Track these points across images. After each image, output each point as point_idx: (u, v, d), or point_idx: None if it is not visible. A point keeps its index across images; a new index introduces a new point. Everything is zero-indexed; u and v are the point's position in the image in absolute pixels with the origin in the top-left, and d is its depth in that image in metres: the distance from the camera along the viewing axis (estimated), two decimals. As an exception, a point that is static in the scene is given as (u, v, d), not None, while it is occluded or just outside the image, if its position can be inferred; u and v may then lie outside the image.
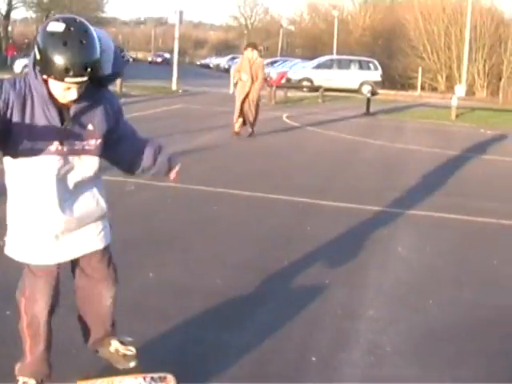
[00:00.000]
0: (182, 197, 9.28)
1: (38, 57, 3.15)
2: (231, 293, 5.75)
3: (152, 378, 3.88)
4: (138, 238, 6.92)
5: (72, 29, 3.10)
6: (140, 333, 4.40)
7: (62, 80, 3.12)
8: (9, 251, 3.54)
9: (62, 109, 3.30)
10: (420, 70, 45.66)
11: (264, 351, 4.68)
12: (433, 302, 5.87)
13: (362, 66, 40.65)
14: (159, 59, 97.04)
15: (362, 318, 5.39)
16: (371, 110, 25.45)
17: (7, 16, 65.59)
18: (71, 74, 3.08)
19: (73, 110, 3.31)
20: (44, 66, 3.13)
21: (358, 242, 7.61)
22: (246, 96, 15.56)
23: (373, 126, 21.73)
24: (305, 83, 37.39)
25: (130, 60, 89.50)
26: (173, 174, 3.84)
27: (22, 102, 3.24)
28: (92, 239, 3.61)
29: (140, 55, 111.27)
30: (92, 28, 3.22)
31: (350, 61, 41.61)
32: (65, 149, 3.35)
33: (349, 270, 6.63)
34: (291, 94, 31.93)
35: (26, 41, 54.63)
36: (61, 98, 3.25)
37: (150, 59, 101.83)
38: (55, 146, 3.32)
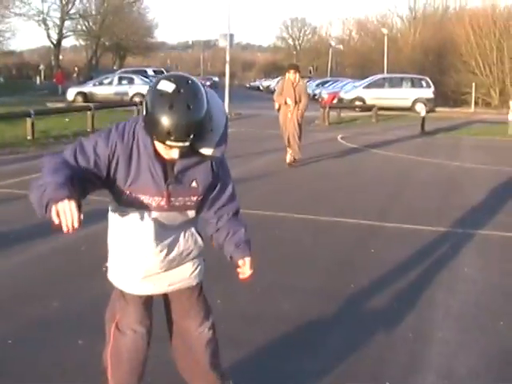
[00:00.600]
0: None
1: (144, 112, 3.13)
2: (300, 318, 5.81)
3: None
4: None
5: (182, 91, 3.04)
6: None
7: (163, 142, 3.10)
8: (110, 277, 3.64)
9: (166, 165, 3.27)
10: (473, 85, 45.30)
11: (338, 376, 4.73)
12: (504, 322, 5.85)
13: (414, 83, 40.43)
14: (208, 83, 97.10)
15: (433, 341, 5.41)
16: (426, 128, 25.34)
17: (58, 44, 66.90)
18: (173, 138, 3.04)
19: (178, 166, 3.29)
20: (148, 124, 3.11)
21: (423, 263, 7.62)
22: (290, 121, 15.18)
23: (429, 144, 21.62)
24: (357, 103, 37.33)
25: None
26: (242, 274, 3.56)
27: (129, 154, 3.28)
28: (185, 276, 3.63)
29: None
30: (205, 91, 3.15)
31: (402, 79, 41.40)
32: (166, 206, 3.36)
33: (416, 291, 6.64)
34: (344, 114, 31.95)
35: (76, 69, 54.56)
36: (164, 155, 3.23)
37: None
38: (157, 202, 3.35)
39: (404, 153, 18.36)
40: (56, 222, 2.95)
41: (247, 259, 3.52)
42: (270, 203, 10.69)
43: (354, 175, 14.33)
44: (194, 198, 3.43)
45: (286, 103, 15.04)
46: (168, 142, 3.07)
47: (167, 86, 3.05)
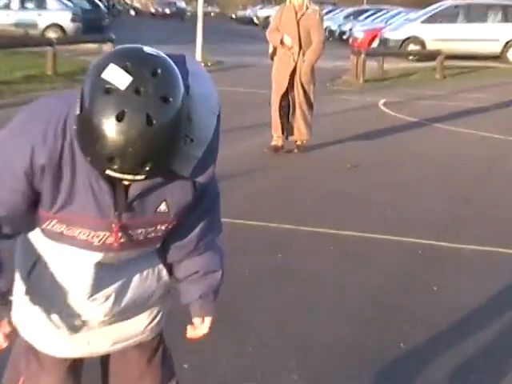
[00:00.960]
0: (224, 238, 9.43)
1: (78, 110, 2.87)
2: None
3: None
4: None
5: (142, 90, 2.77)
6: None
7: (101, 171, 2.96)
8: (15, 318, 3.58)
9: (117, 183, 3.09)
10: None
11: None
12: None
13: (508, 15, 40.11)
14: (167, 10, 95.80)
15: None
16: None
17: None
18: (116, 167, 2.83)
19: (135, 186, 3.11)
20: (81, 133, 2.91)
21: (509, 305, 7.83)
22: (291, 76, 14.39)
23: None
24: (411, 47, 37.31)
25: (129, 11, 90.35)
26: (191, 332, 3.74)
27: (57, 163, 3.07)
28: (139, 330, 3.72)
29: (138, 4, 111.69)
30: (181, 83, 2.93)
31: (488, 7, 41.06)
32: (115, 243, 3.28)
33: (496, 347, 6.84)
34: (389, 65, 31.94)
35: None
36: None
37: (152, 10, 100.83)
38: (101, 238, 3.25)
39: (485, 130, 18.44)
40: None
41: (208, 319, 3.69)
42: (270, 209, 10.74)
43: (405, 166, 14.45)
44: (163, 227, 3.34)
45: (282, 43, 14.27)
46: (108, 172, 2.89)
47: (119, 78, 2.77)
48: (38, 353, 3.60)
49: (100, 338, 3.59)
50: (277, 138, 14.71)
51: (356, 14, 55.58)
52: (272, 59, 14.78)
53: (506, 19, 39.74)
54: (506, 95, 25.25)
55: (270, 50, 14.75)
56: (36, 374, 3.62)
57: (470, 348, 6.83)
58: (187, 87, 2.97)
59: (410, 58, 35.58)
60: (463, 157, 15.62)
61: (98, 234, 3.18)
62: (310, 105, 14.71)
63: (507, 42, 38.42)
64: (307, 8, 13.96)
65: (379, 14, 50.92)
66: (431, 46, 36.21)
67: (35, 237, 3.36)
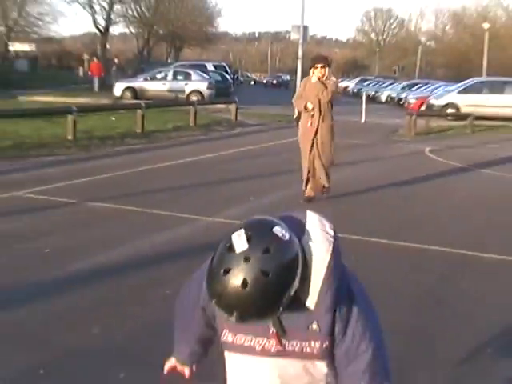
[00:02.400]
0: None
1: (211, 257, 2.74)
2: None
3: None
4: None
5: (251, 260, 2.57)
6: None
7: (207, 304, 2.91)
8: None
9: None
10: None
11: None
12: None
13: (520, 89, 40.02)
14: (274, 81, 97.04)
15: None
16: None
17: (105, 32, 67.76)
18: (215, 303, 2.68)
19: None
20: (206, 273, 2.75)
21: None
22: (314, 136, 12.39)
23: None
24: (449, 110, 37.04)
25: (249, 82, 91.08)
26: None
27: None
28: None
29: (255, 76, 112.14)
30: (295, 253, 2.65)
31: (505, 83, 40.97)
32: (273, 350, 2.88)
33: (515, 337, 6.57)
34: (434, 123, 31.71)
35: (116, 60, 52.32)
36: None
37: (264, 81, 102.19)
38: (261, 344, 2.89)
39: (505, 171, 18.11)
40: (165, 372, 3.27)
41: None
42: (345, 224, 10.62)
43: (444, 197, 14.18)
44: (315, 344, 2.84)
45: (306, 109, 12.37)
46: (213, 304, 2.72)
47: (239, 243, 2.61)
48: None
49: None
50: (309, 190, 12.52)
51: (410, 86, 55.32)
52: (297, 124, 12.91)
53: (517, 91, 39.65)
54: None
55: (295, 116, 13.54)
56: None
57: (484, 333, 6.60)
58: (300, 239, 2.71)
59: (449, 118, 35.22)
60: (488, 189, 15.31)
61: (258, 339, 2.87)
62: (328, 159, 12.59)
63: (519, 108, 38.18)
64: (327, 79, 12.19)
65: (426, 86, 50.64)
66: (464, 109, 36.05)
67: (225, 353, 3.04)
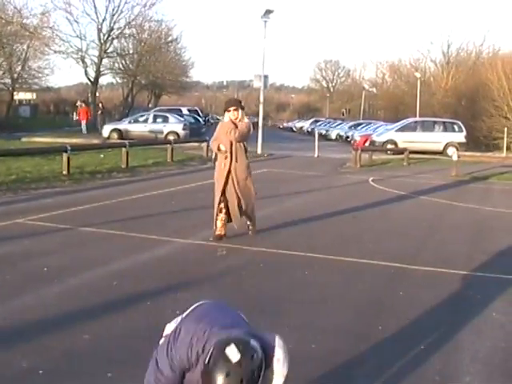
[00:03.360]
0: (272, 261, 9.43)
1: (207, 360, 3.22)
2: (327, 358, 5.83)
3: None
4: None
5: (243, 365, 3.13)
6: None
7: None
8: None
9: None
10: (506, 130, 45.09)
11: (363, 417, 4.73)
12: (531, 369, 5.82)
13: (447, 127, 40.37)
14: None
15: (460, 385, 5.40)
16: (457, 172, 25.24)
17: (95, 82, 67.66)
18: None
19: None
20: (205, 373, 3.21)
21: (451, 307, 7.61)
22: (227, 177, 10.94)
23: (460, 188, 21.51)
24: (389, 146, 37.35)
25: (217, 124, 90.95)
26: None
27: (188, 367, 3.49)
28: None
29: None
30: (265, 366, 3.24)
31: (434, 122, 41.39)
32: None
33: (443, 335, 6.62)
34: (376, 156, 31.95)
35: (100, 105, 51.50)
36: None
37: None
38: None
39: (435, 197, 18.29)
40: None
41: None
42: (300, 244, 10.71)
43: (384, 218, 14.28)
44: None
45: (219, 150, 11.08)
46: None
47: (234, 355, 3.14)
48: None
49: None
50: (220, 229, 10.88)
51: (355, 125, 55.69)
52: (214, 164, 11.44)
53: (445, 129, 40.16)
54: (446, 175, 25.06)
55: (213, 156, 11.82)
56: None
57: (419, 332, 6.67)
58: (268, 366, 3.28)
59: (388, 152, 35.52)
60: (420, 212, 15.47)
61: None
62: (248, 198, 11.06)
63: (446, 144, 38.61)
64: (240, 121, 10.92)
65: (369, 125, 51.01)
66: (401, 145, 36.48)
67: None
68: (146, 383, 3.59)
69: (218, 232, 10.86)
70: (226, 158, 10.91)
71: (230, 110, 10.97)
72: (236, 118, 10.90)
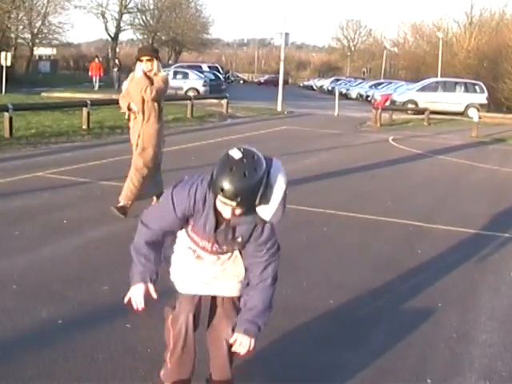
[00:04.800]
0: (291, 218, 9.41)
1: (213, 170, 3.50)
2: (344, 314, 5.85)
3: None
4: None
5: (245, 161, 3.42)
6: (257, 349, 4.47)
7: (215, 195, 3.52)
8: (171, 276, 4.04)
9: (221, 219, 3.68)
10: (528, 92, 44.67)
11: (378, 372, 4.75)
12: (548, 328, 5.81)
13: (468, 88, 39.98)
14: (262, 79, 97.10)
15: (477, 343, 5.40)
16: (477, 133, 25.09)
17: (115, 38, 67.55)
18: (223, 194, 3.42)
19: (231, 223, 3.70)
20: (211, 179, 3.51)
21: (469, 265, 7.60)
22: (138, 142, 9.10)
23: (480, 149, 21.39)
24: (409, 106, 37.07)
25: (239, 81, 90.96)
26: (237, 344, 3.82)
27: (204, 199, 3.68)
28: (228, 290, 3.99)
29: (244, 76, 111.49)
30: (265, 168, 3.50)
31: (456, 83, 40.99)
32: (214, 249, 3.86)
33: (461, 293, 6.63)
34: (396, 116, 31.73)
35: (117, 61, 49.83)
36: (221, 211, 3.61)
37: (255, 80, 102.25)
38: (208, 245, 3.84)
39: (455, 157, 18.20)
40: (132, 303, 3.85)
41: (238, 336, 3.80)
42: (319, 201, 10.71)
43: (404, 177, 14.25)
44: (236, 247, 3.86)
45: (130, 110, 9.13)
46: (219, 197, 3.47)
47: (236, 154, 3.44)
48: (180, 298, 4.04)
49: (209, 289, 3.98)
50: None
51: (376, 85, 55.25)
52: (128, 122, 9.36)
53: (466, 90, 39.72)
54: (467, 136, 24.92)
55: (126, 115, 9.31)
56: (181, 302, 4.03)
57: (436, 290, 6.67)
58: (268, 172, 3.53)
59: (409, 112, 35.24)
60: (439, 172, 15.42)
61: (203, 242, 3.85)
62: (138, 166, 9.06)
63: (467, 105, 38.24)
64: (155, 74, 8.97)
65: (390, 85, 50.55)
66: (422, 105, 36.12)
67: (182, 244, 3.98)
68: (150, 218, 3.90)
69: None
70: (135, 118, 9.09)
71: (142, 60, 8.90)
72: (150, 71, 8.93)
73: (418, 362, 4.96)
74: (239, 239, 3.76)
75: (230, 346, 3.94)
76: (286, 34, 36.12)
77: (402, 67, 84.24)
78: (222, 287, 3.96)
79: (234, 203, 3.44)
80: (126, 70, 61.19)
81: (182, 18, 74.10)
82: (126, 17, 68.62)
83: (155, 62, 8.93)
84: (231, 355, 4.05)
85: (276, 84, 38.65)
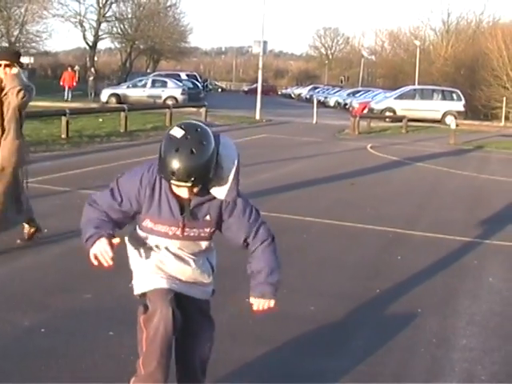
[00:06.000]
0: (272, 225, 9.46)
1: (158, 154, 3.41)
2: (325, 320, 5.89)
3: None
4: (232, 266, 7.09)
5: (188, 137, 3.32)
6: (238, 356, 4.53)
7: (168, 181, 3.43)
8: (136, 291, 3.85)
9: (183, 201, 3.56)
10: (504, 99, 45.03)
11: (359, 376, 4.80)
12: (527, 332, 5.89)
13: (445, 96, 40.33)
14: (244, 88, 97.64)
15: (456, 348, 5.46)
16: (455, 140, 25.29)
17: (93, 46, 67.41)
18: (175, 178, 3.33)
19: (193, 202, 3.57)
20: (159, 165, 3.42)
21: (448, 272, 7.67)
22: None
23: (458, 156, 21.57)
24: (387, 113, 37.27)
25: (217, 89, 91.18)
26: (257, 306, 3.78)
27: (152, 187, 3.58)
28: (195, 290, 3.83)
29: (222, 85, 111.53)
30: (213, 140, 3.41)
31: (433, 91, 41.33)
32: (181, 235, 3.65)
33: (440, 299, 6.70)
34: (374, 124, 31.91)
35: (93, 70, 47.43)
36: (177, 193, 3.52)
37: (246, 89, 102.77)
38: (173, 231, 3.63)
39: (433, 164, 18.36)
40: (95, 263, 3.57)
41: (255, 301, 3.76)
42: (299, 208, 10.76)
43: (382, 184, 14.32)
44: (207, 230, 3.69)
45: None
46: (172, 181, 3.39)
47: (177, 132, 3.34)
48: (152, 294, 3.74)
49: (176, 284, 3.76)
50: None
51: (354, 93, 55.47)
52: None
53: (444, 98, 40.14)
54: (444, 143, 25.18)
55: None
56: (152, 306, 3.72)
57: (416, 295, 6.74)
58: (218, 145, 3.45)
59: (387, 120, 35.43)
60: (418, 179, 15.55)
61: (171, 228, 3.63)
62: (5, 190, 7.40)
63: (444, 112, 38.56)
64: (13, 86, 7.18)
65: (368, 93, 50.78)
66: (399, 112, 36.43)
67: (139, 231, 3.78)
68: (98, 200, 3.76)
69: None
70: None
71: (0, 65, 7.26)
72: (3, 81, 7.23)
73: (399, 366, 5.02)
74: (207, 217, 3.62)
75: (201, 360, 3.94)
76: (264, 42, 36.19)
77: (380, 75, 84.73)
78: (194, 286, 3.81)
79: (188, 184, 3.37)
80: (104, 78, 61.37)
81: (160, 27, 73.99)
82: (104, 25, 68.52)
83: (14, 69, 7.25)
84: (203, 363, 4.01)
85: (264, 92, 38.58)
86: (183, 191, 3.46)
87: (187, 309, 3.81)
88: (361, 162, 17.90)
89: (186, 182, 3.34)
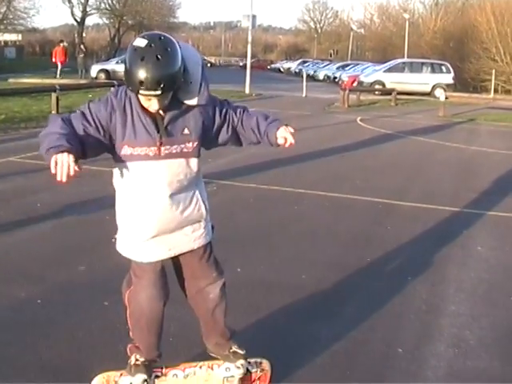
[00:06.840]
0: (262, 197, 9.56)
1: (124, 68, 3.34)
2: (317, 288, 5.98)
3: (249, 363, 4.09)
4: (223, 236, 7.15)
5: (152, 45, 3.23)
6: (229, 324, 4.55)
7: (137, 92, 3.30)
8: (118, 247, 3.74)
9: (156, 117, 3.43)
10: (493, 72, 45.02)
11: (351, 342, 4.89)
12: (514, 298, 6.00)
13: (435, 69, 40.30)
14: (232, 61, 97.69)
15: (445, 314, 5.56)
16: (444, 113, 25.37)
17: (82, 22, 66.95)
18: (144, 87, 3.22)
19: (167, 117, 3.44)
20: (126, 78, 3.32)
21: (437, 241, 7.76)
22: None
23: (448, 128, 21.65)
24: (377, 86, 37.27)
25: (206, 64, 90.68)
26: (282, 139, 3.85)
27: (123, 112, 3.44)
28: (189, 240, 3.70)
29: (212, 60, 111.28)
30: (178, 46, 3.33)
31: (422, 64, 41.29)
32: (162, 154, 3.47)
33: (429, 267, 6.78)
34: (363, 97, 31.90)
35: (82, 47, 45.88)
36: (148, 108, 3.39)
37: (241, 64, 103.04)
38: (153, 151, 3.45)
39: (422, 136, 18.44)
40: (53, 171, 3.13)
41: (282, 128, 3.83)
42: (290, 181, 10.83)
43: (372, 157, 14.40)
44: (190, 145, 3.55)
45: None
46: (141, 91, 3.26)
47: (140, 42, 3.26)
48: (135, 263, 3.69)
49: (166, 245, 3.64)
50: None
51: (343, 66, 55.49)
52: None
53: (433, 71, 40.08)
54: (434, 115, 25.25)
55: None
56: (138, 275, 3.70)
57: (406, 264, 6.85)
58: (181, 54, 3.33)
59: (376, 93, 35.45)
60: (407, 151, 15.62)
61: (150, 149, 3.45)
62: None
63: (434, 85, 38.57)
64: None
65: (357, 66, 50.77)
66: (389, 85, 36.38)
67: (119, 168, 3.57)
68: (72, 120, 3.45)
69: None
70: None
71: None
72: None
73: (390, 332, 5.12)
74: (185, 130, 3.49)
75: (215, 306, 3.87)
76: (253, 17, 36.11)
77: (369, 48, 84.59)
78: (187, 239, 3.69)
79: (158, 92, 3.24)
80: (93, 55, 61.01)
81: (149, 2, 73.55)
82: (92, 1, 68.02)
83: None
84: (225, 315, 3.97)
85: (260, 67, 38.45)
86: (153, 103, 3.34)
87: (186, 263, 3.80)
88: (350, 134, 17.98)
89: (155, 90, 3.23)
